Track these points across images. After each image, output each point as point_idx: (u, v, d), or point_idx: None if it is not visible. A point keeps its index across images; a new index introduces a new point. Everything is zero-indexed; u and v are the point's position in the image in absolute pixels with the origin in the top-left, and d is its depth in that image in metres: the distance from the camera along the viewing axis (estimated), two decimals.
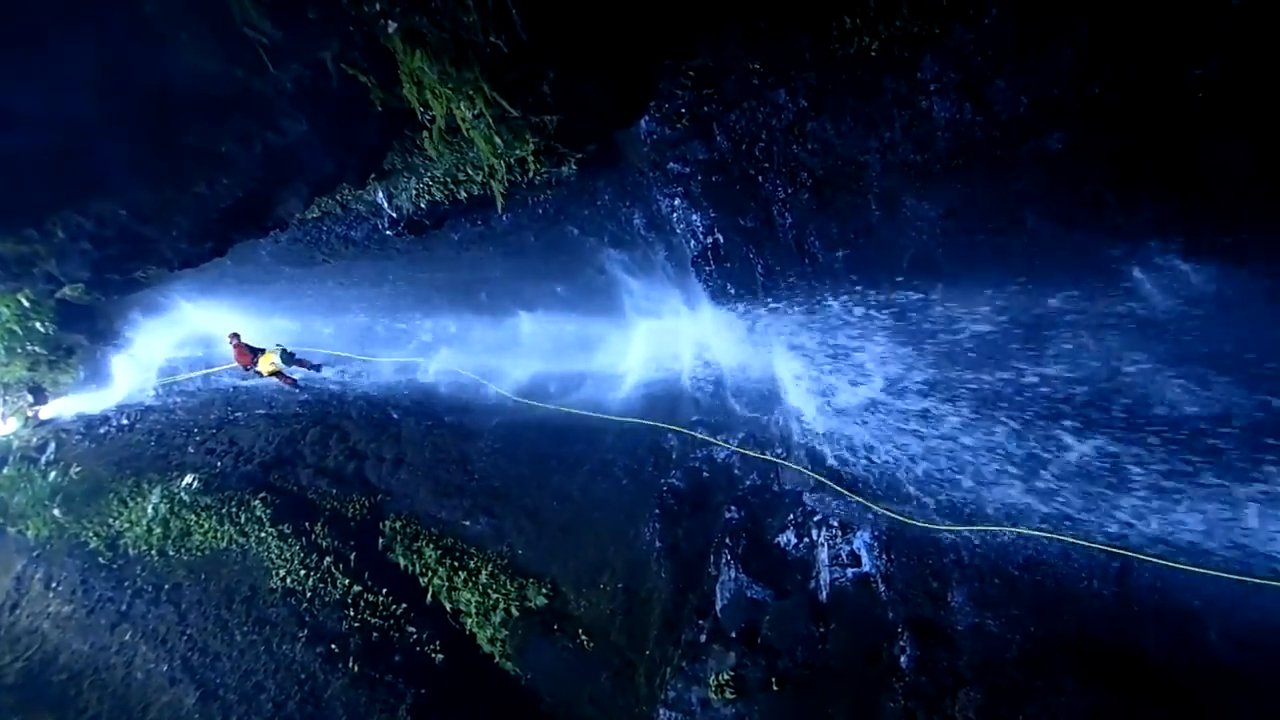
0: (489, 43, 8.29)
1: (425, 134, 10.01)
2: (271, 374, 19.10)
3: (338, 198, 16.33)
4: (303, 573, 17.23)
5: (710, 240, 13.51)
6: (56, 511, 20.01)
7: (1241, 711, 9.73)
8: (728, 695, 13.02)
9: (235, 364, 19.24)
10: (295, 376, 19.88)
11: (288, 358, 18.75)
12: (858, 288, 12.58)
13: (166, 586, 17.94)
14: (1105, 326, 10.55)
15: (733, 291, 13.88)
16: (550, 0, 8.67)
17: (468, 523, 17.96)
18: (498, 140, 10.17)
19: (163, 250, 11.82)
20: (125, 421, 22.99)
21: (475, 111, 9.18)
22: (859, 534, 13.44)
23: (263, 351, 18.76)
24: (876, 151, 11.02)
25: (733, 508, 15.33)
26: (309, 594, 16.99)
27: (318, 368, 20.17)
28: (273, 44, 8.29)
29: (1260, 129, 8.46)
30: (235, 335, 18.72)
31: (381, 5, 8.11)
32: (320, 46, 8.66)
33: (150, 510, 19.13)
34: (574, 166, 13.77)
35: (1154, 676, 10.39)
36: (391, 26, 8.26)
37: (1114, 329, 10.50)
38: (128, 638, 17.42)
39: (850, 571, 13.37)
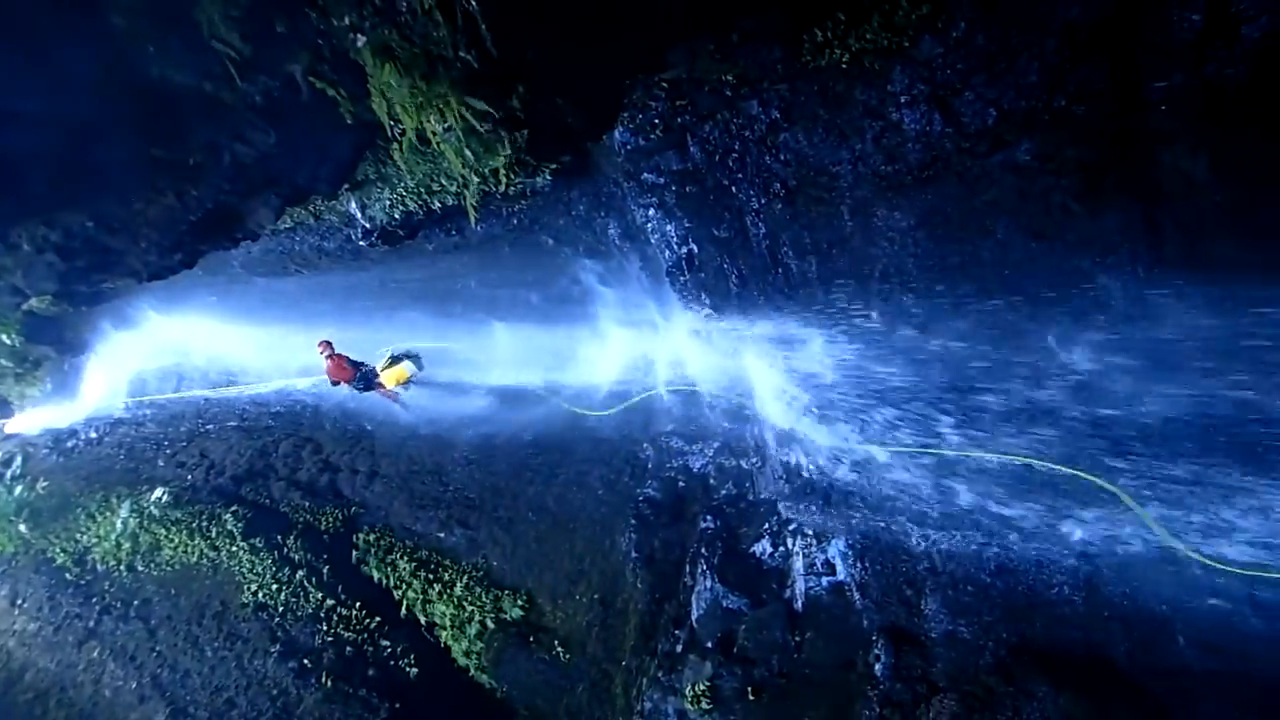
0: (458, 57, 8.30)
1: (396, 146, 9.96)
2: (396, 385, 17.25)
3: (310, 208, 16.21)
4: (275, 587, 17.03)
5: (685, 250, 13.54)
6: (23, 527, 19.68)
7: (1205, 713, 9.88)
8: (704, 706, 13.01)
9: (330, 379, 17.18)
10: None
11: (420, 364, 17.13)
12: (832, 297, 12.66)
13: (135, 602, 17.68)
14: (1075, 334, 10.72)
15: (707, 301, 13.91)
16: (519, 16, 8.71)
17: (443, 535, 17.85)
18: (468, 153, 10.18)
19: (130, 262, 11.68)
20: (94, 435, 22.68)
21: (445, 125, 9.18)
22: (834, 542, 13.49)
23: (361, 365, 16.95)
24: (848, 162, 11.12)
25: (709, 517, 15.35)
26: (281, 608, 16.79)
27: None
28: (241, 57, 8.26)
29: (1220, 142, 8.62)
30: (328, 344, 16.80)
31: (351, 19, 8.09)
32: (289, 60, 8.62)
33: (119, 525, 18.85)
34: (549, 177, 13.78)
35: (1123, 681, 10.55)
36: (361, 41, 8.24)
37: (1082, 336, 10.67)
38: (96, 655, 17.15)
39: (825, 580, 13.42)
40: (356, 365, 16.74)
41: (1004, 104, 9.55)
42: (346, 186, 14.48)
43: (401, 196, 14.82)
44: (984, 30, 9.29)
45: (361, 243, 16.40)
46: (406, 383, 17.36)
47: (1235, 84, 8.29)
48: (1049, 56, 9.08)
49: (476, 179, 13.42)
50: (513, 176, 13.40)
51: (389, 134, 9.63)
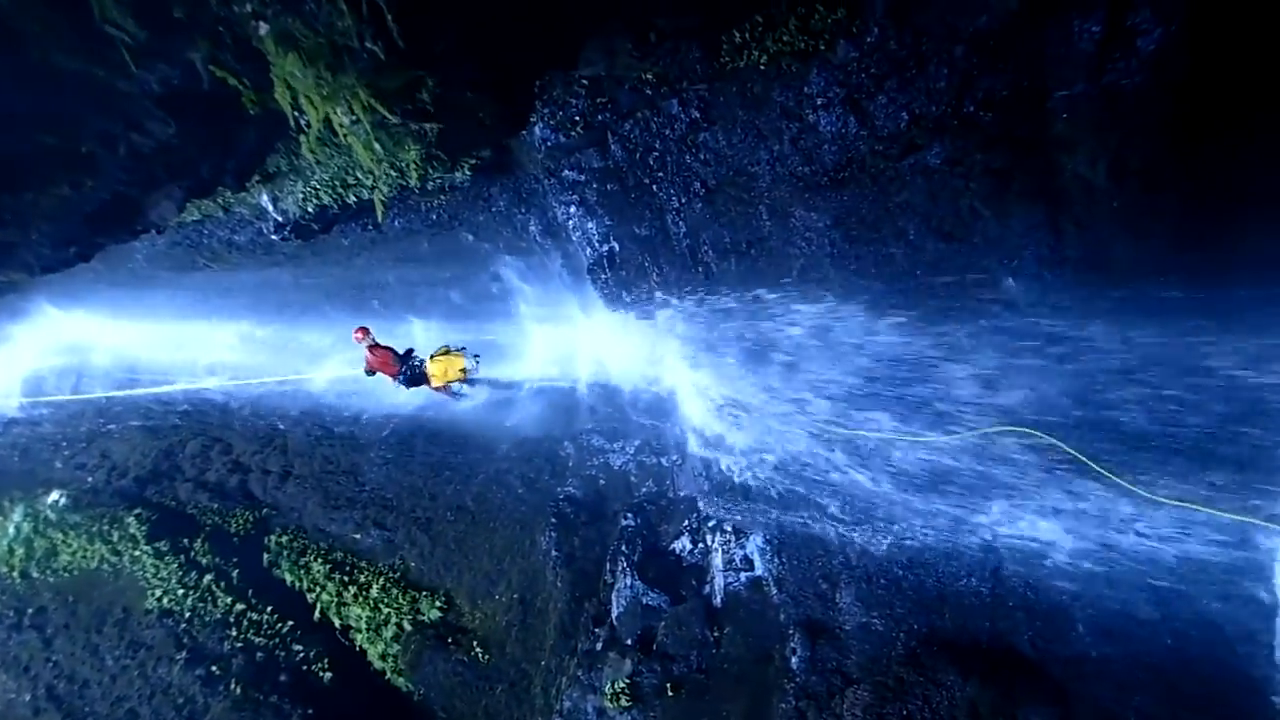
0: (365, 48, 8.08)
1: (304, 139, 9.65)
2: (448, 382, 15.16)
3: (219, 200, 15.65)
4: (181, 592, 16.42)
5: (606, 248, 13.53)
6: None
7: (1104, 698, 10.33)
8: (623, 703, 13.04)
9: (367, 370, 15.05)
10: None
11: (476, 362, 15.15)
12: (749, 295, 12.80)
13: (30, 611, 16.80)
14: (980, 334, 11.07)
15: (628, 299, 13.93)
16: (428, 7, 8.53)
17: (358, 536, 17.49)
18: (377, 147, 9.94)
19: (22, 254, 11.06)
20: None
21: (353, 118, 8.94)
22: (752, 538, 13.67)
23: (410, 357, 14.93)
24: (766, 163, 11.25)
25: (629, 515, 15.38)
26: (188, 614, 16.19)
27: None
28: (136, 43, 7.87)
29: (1117, 149, 8.99)
30: (365, 331, 14.55)
31: (253, 6, 7.78)
32: (188, 46, 8.24)
33: (12, 530, 17.91)
34: (468, 172, 13.61)
35: (1027, 667, 10.93)
36: (263, 28, 7.93)
37: (988, 335, 11.03)
38: None
39: (744, 575, 13.60)
40: (402, 357, 14.84)
41: (915, 108, 9.78)
42: (257, 179, 14.00)
43: (315, 190, 14.44)
44: (896, 36, 9.49)
45: (274, 237, 15.90)
46: (462, 382, 15.45)
47: (1132, 93, 8.64)
48: (958, 63, 9.32)
49: (391, 174, 13.17)
50: (431, 171, 13.19)
51: (294, 126, 9.28)
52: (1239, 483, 9.87)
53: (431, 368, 14.83)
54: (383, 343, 14.84)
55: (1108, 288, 9.82)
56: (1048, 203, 9.75)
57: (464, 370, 14.86)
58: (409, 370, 14.95)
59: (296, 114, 8.91)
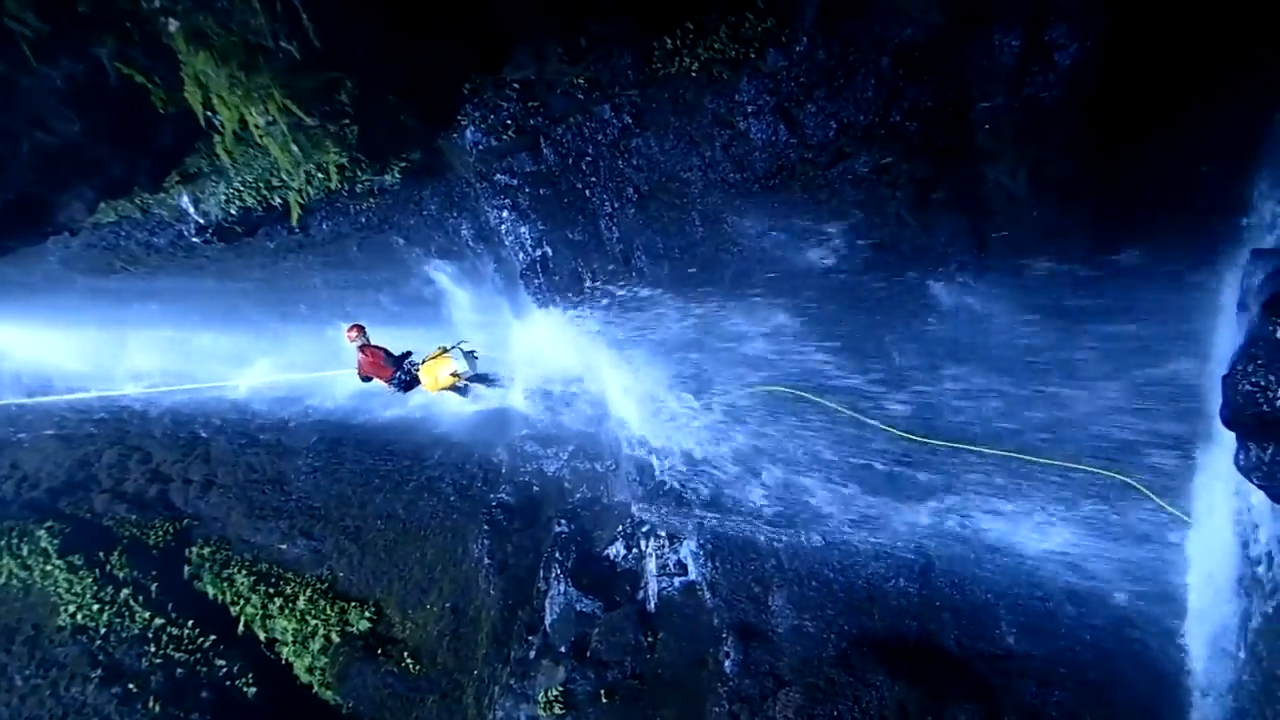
0: (280, 47, 7.85)
1: (218, 139, 9.35)
2: (443, 388, 13.30)
3: (136, 202, 15.09)
4: (96, 607, 15.81)
5: (539, 252, 13.44)
6: None
7: (1027, 694, 10.61)
8: (557, 711, 12.97)
9: (361, 374, 13.24)
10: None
11: (472, 362, 13.14)
12: (684, 301, 12.85)
13: None
14: (909, 338, 11.30)
15: (562, 304, 13.85)
16: (344, 6, 8.33)
17: (285, 546, 17.06)
18: (294, 148, 9.68)
19: None
20: None
21: (269, 118, 8.68)
22: (686, 543, 13.69)
23: (405, 359, 13.18)
24: (699, 169, 11.27)
25: (563, 521, 15.27)
26: (103, 630, 15.62)
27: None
28: (38, 37, 7.53)
29: (1037, 160, 9.24)
30: (359, 329, 13.03)
31: (161, 1, 7.50)
32: (94, 42, 7.92)
33: None
34: (398, 175, 13.35)
35: (954, 666, 11.17)
36: (173, 25, 7.63)
37: (916, 340, 11.27)
38: None
39: (678, 580, 13.62)
40: (398, 360, 13.18)
41: (844, 117, 9.88)
42: (176, 180, 13.55)
43: (239, 191, 14.03)
44: (825, 46, 9.58)
45: (195, 239, 15.42)
46: (455, 386, 13.43)
47: (1050, 106, 8.88)
48: (884, 74, 9.45)
49: (318, 176, 12.84)
50: (360, 174, 12.93)
51: (205, 125, 8.93)
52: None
53: (423, 374, 13.18)
54: (376, 343, 13.28)
55: (1025, 294, 10.12)
56: (971, 212, 9.96)
57: (455, 375, 13.07)
58: (404, 375, 13.25)
59: (209, 114, 8.62)
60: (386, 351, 13.22)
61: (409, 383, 13.30)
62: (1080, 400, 10.41)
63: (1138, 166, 9.01)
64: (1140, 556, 10.46)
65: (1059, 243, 9.73)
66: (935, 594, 11.68)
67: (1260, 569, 8.48)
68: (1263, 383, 7.02)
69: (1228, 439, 7.70)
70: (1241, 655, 8.83)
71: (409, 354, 13.42)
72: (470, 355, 13.11)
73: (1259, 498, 7.99)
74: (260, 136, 9.13)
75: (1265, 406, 7.01)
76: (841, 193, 10.46)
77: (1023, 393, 10.79)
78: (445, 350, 13.08)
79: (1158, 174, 9.00)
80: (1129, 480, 10.26)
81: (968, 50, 9.05)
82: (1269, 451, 7.06)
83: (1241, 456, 7.39)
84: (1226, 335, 8.62)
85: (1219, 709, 9.36)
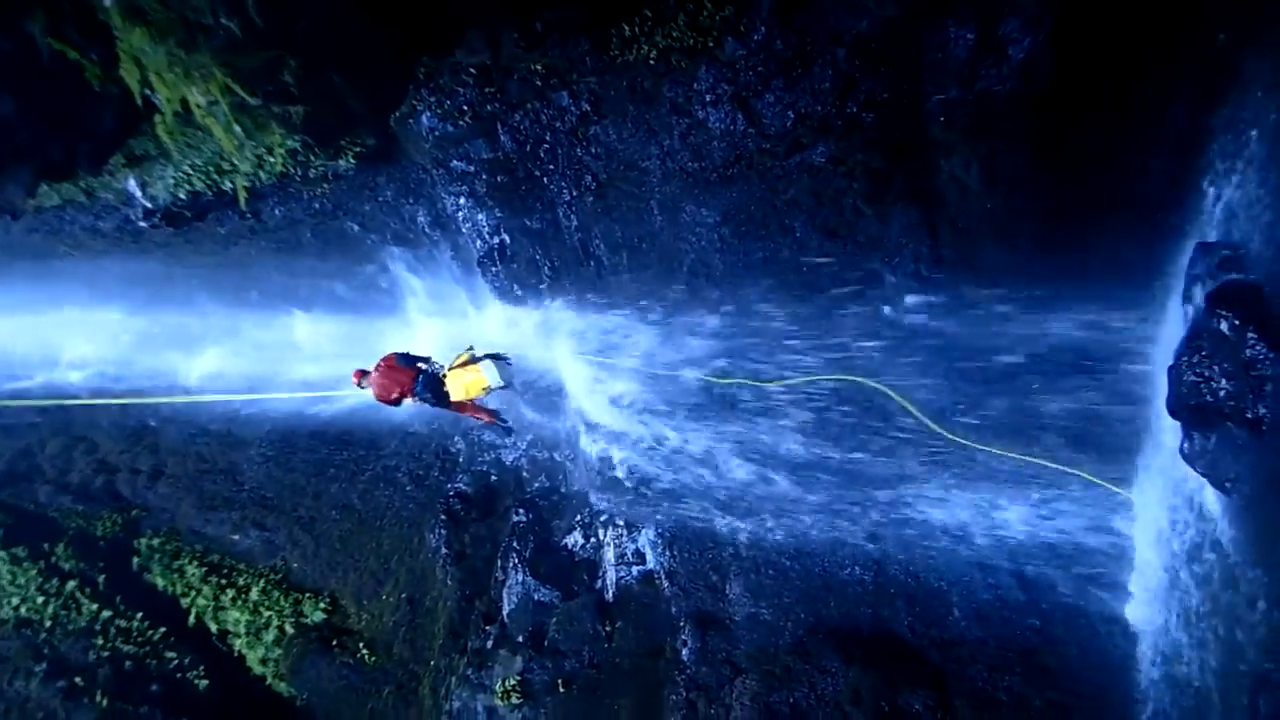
0: (220, 24, 7.63)
1: (158, 120, 9.08)
2: (467, 402, 11.01)
3: (79, 185, 14.67)
4: (40, 600, 15.46)
5: (496, 240, 13.31)
6: None
7: (979, 679, 10.79)
8: (514, 701, 12.95)
9: (377, 397, 10.86)
10: (491, 406, 11.86)
11: (505, 371, 10.85)
12: (643, 289, 12.81)
13: None
14: (865, 333, 11.38)
15: (519, 292, 13.75)
16: None
17: (236, 537, 16.80)
18: (237, 129, 9.44)
19: None
20: None
21: (210, 99, 8.44)
22: (644, 532, 13.71)
23: (426, 365, 10.95)
24: (657, 158, 11.22)
25: (521, 510, 15.19)
26: (48, 623, 15.28)
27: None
28: None
29: (989, 154, 9.34)
30: (361, 372, 10.98)
31: None
32: (24, 17, 7.63)
33: None
34: (352, 160, 13.13)
35: (907, 652, 11.32)
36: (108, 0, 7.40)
37: (874, 335, 11.34)
38: None
39: (636, 569, 13.64)
40: (411, 360, 11.01)
41: (801, 108, 9.89)
42: (121, 162, 13.17)
43: (188, 175, 13.69)
44: (782, 36, 9.58)
45: (143, 224, 15.05)
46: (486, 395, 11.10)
47: (1003, 100, 8.97)
48: (841, 65, 9.48)
49: (268, 159, 12.58)
50: (312, 158, 12.70)
51: (143, 105, 8.64)
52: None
53: (450, 382, 10.79)
54: (386, 356, 10.93)
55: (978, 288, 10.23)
56: (925, 204, 10.04)
57: (487, 389, 10.84)
58: (428, 384, 10.80)
59: (148, 92, 8.35)
60: (395, 356, 11.01)
61: (436, 390, 10.85)
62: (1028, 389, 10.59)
63: (1087, 159, 9.11)
64: (1088, 543, 10.70)
65: (1010, 234, 9.83)
66: (890, 581, 11.82)
67: (1204, 551, 8.67)
68: (1206, 373, 7.25)
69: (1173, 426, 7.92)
70: (1184, 636, 9.04)
71: (428, 360, 11.22)
72: (503, 361, 10.99)
73: (1201, 483, 8.17)
74: (202, 117, 8.87)
75: (1208, 396, 7.22)
76: (799, 182, 10.49)
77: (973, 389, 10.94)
78: (475, 358, 10.87)
79: (1106, 166, 9.11)
80: (1076, 473, 10.48)
81: (923, 43, 9.10)
82: (1211, 440, 7.28)
83: (1186, 445, 7.63)
84: (1172, 328, 8.78)
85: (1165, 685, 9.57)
